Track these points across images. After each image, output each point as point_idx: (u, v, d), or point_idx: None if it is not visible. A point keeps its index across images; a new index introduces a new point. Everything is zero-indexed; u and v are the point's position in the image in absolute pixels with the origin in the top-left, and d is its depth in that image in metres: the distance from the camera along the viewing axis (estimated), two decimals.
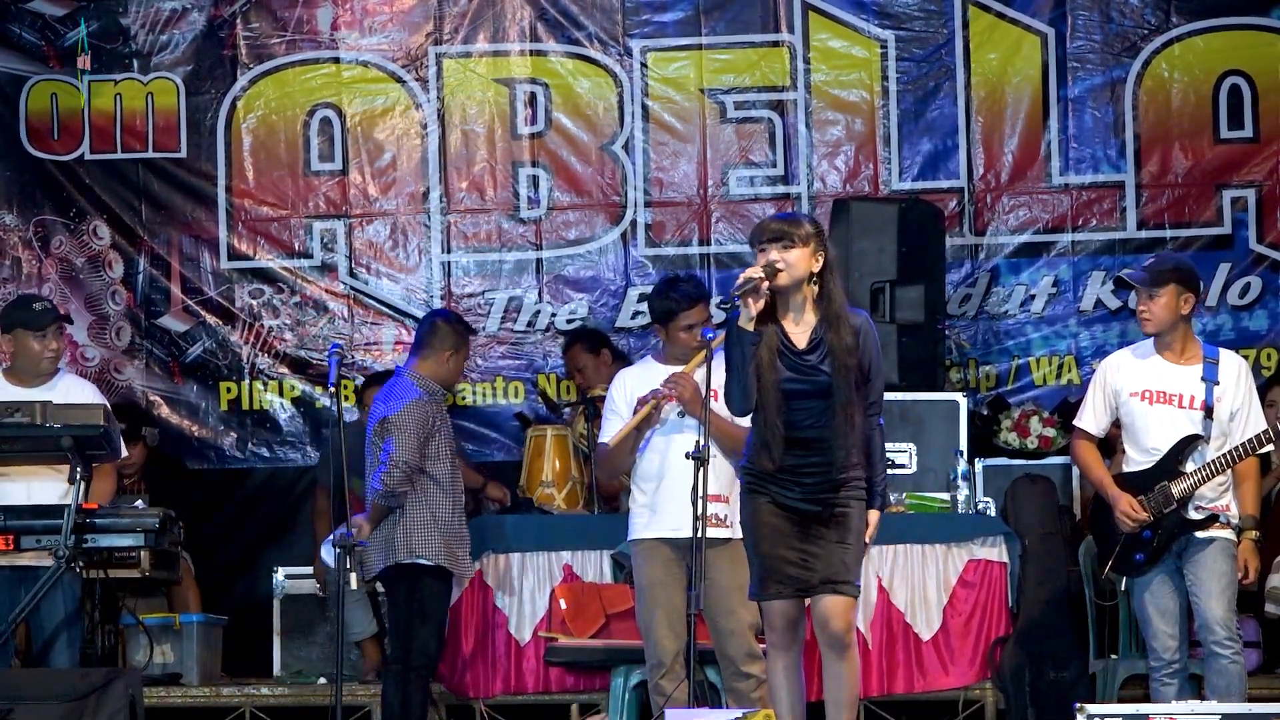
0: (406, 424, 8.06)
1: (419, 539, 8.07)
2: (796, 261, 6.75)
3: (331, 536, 7.86)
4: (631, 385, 7.73)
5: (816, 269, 6.80)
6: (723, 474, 7.46)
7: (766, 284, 6.72)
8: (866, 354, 6.79)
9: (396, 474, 8.03)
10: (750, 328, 6.74)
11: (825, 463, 6.74)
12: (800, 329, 6.80)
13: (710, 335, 7.29)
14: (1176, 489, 7.51)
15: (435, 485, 8.12)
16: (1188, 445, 7.52)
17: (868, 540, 6.82)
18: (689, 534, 7.06)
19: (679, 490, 7.25)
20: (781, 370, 6.76)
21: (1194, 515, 7.51)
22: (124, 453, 8.16)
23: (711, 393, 7.19)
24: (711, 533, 7.33)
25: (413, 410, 8.08)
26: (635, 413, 7.63)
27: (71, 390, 7.96)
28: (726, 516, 7.52)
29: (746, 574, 7.51)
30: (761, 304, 6.73)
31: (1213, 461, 7.50)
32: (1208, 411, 7.51)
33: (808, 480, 6.76)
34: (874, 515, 6.84)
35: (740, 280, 6.73)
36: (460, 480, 8.32)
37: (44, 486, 7.84)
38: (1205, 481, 7.49)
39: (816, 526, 6.78)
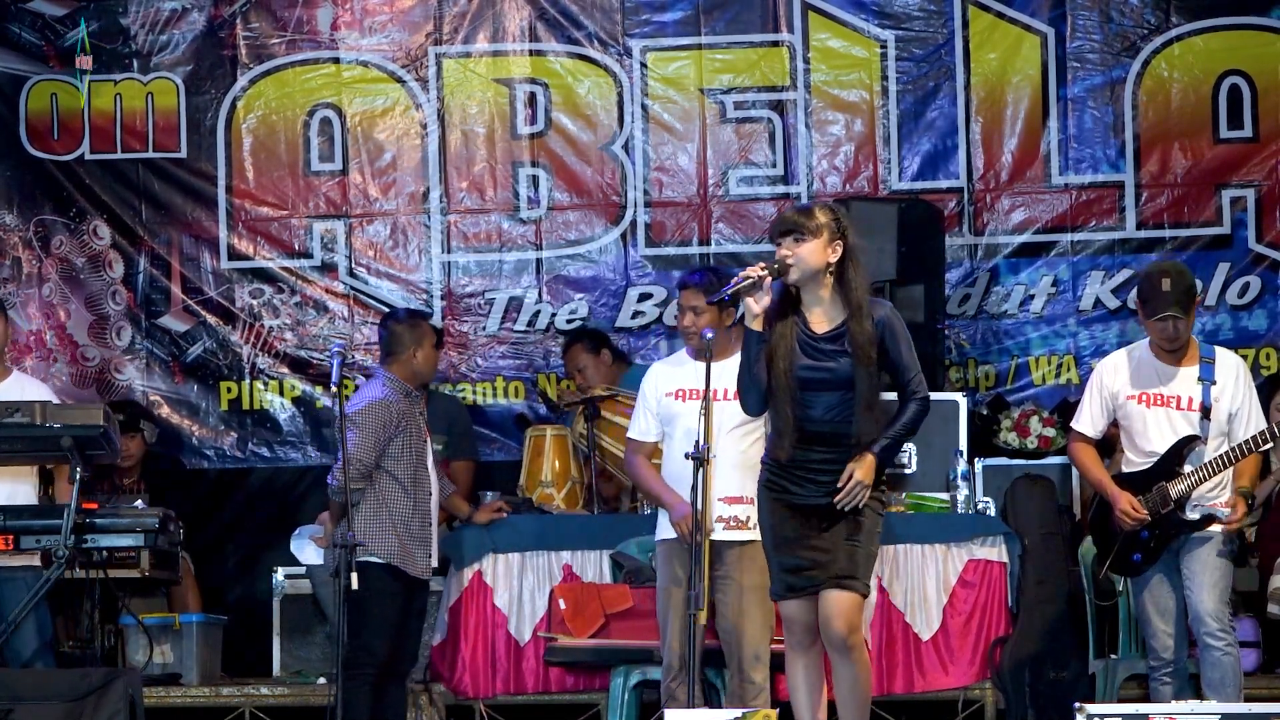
0: (363, 423, 8.07)
1: (370, 536, 8.05)
2: (808, 254, 6.64)
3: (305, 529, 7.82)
4: (663, 380, 7.78)
5: (834, 259, 6.68)
6: (745, 476, 7.42)
7: (769, 280, 6.63)
8: (892, 344, 6.67)
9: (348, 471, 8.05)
10: (757, 326, 6.65)
11: (843, 459, 6.64)
12: (822, 319, 6.70)
13: (709, 335, 7.30)
14: (1174, 490, 7.50)
15: (395, 484, 8.11)
16: (1185, 446, 7.51)
17: (856, 477, 6.61)
18: (712, 536, 7.07)
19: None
20: (799, 358, 6.64)
21: (1191, 516, 7.51)
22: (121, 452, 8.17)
23: (722, 391, 7.21)
24: (733, 535, 7.37)
25: (373, 410, 8.10)
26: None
27: (26, 389, 7.98)
28: (749, 519, 7.46)
29: (766, 576, 7.48)
30: (766, 300, 6.63)
31: (1211, 462, 7.49)
32: (1205, 412, 7.50)
33: (823, 477, 6.66)
34: (868, 458, 6.62)
35: (738, 278, 6.68)
36: (428, 483, 8.24)
37: (11, 489, 7.87)
38: (1203, 482, 7.48)
39: (829, 523, 6.68)
